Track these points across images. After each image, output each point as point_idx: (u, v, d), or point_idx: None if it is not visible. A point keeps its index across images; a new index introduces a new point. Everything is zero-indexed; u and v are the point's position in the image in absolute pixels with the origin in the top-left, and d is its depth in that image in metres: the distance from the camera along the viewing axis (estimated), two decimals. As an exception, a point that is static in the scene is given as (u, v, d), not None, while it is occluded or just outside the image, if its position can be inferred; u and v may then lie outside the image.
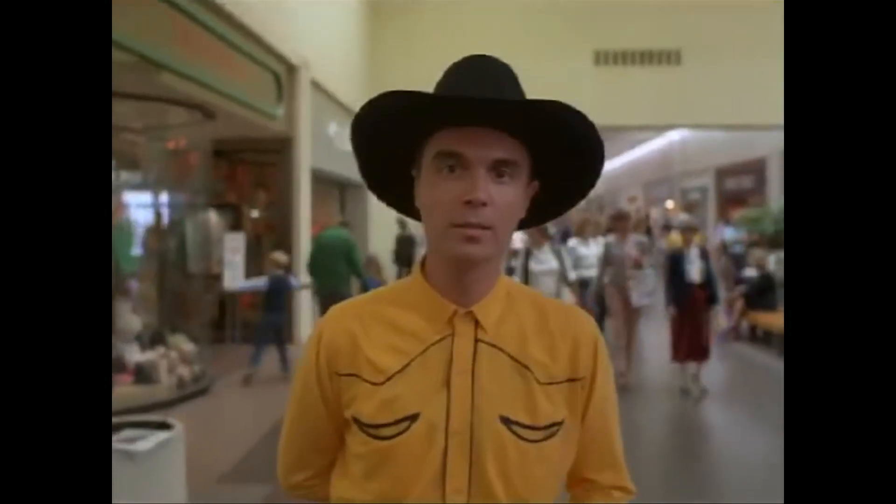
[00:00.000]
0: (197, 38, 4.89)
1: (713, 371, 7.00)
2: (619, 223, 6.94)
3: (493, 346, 1.03)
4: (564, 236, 11.22)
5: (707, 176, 18.55)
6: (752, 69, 10.82)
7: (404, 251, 11.78)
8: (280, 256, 7.00)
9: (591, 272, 7.45)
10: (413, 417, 0.99)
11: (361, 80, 10.79)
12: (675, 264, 6.47)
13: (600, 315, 7.89)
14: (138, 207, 6.44)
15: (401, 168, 1.07)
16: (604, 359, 1.10)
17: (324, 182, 9.76)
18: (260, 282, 7.04)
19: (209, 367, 5.75)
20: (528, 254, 6.40)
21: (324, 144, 9.07)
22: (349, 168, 9.09)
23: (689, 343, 6.42)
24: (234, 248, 7.07)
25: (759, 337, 9.46)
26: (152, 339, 5.59)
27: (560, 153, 1.02)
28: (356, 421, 1.02)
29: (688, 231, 6.74)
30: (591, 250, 7.97)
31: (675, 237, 10.21)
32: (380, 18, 11.19)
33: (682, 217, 11.97)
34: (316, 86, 7.79)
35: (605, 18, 11.40)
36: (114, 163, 4.81)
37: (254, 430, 5.25)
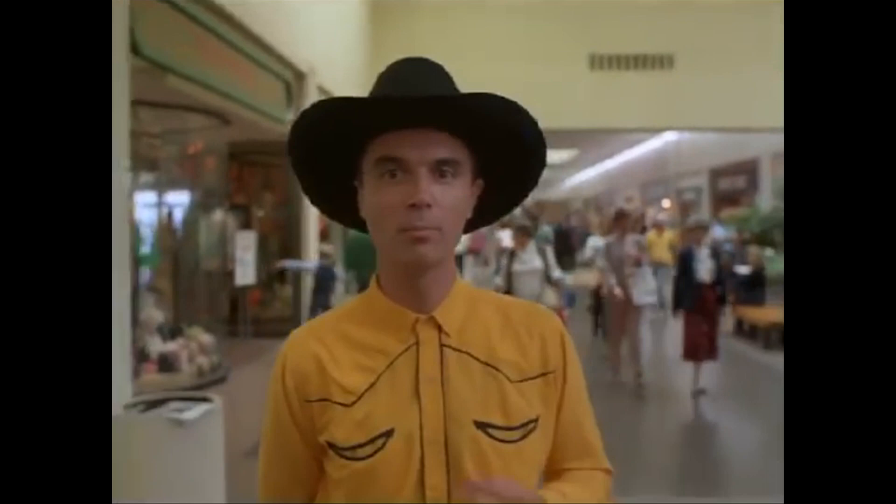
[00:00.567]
0: (216, 49, 5.24)
1: (706, 367, 7.06)
2: (618, 222, 6.92)
3: (460, 350, 1.02)
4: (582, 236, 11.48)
5: (701, 176, 18.80)
6: (742, 73, 11.17)
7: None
8: (326, 248, 8.08)
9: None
10: (388, 434, 0.97)
11: (365, 84, 11.09)
12: (685, 264, 6.44)
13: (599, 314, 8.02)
14: (145, 207, 6.69)
15: (342, 180, 1.04)
16: (571, 351, 1.10)
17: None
18: (310, 263, 7.99)
19: (225, 358, 6.11)
20: (512, 254, 6.39)
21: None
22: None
23: (700, 342, 6.39)
24: (245, 247, 7.39)
25: (745, 331, 9.79)
26: (171, 331, 5.94)
27: (499, 148, 1.01)
28: (331, 446, 0.99)
29: (697, 230, 6.67)
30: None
31: (653, 236, 10.53)
32: (381, 25, 11.53)
33: (661, 217, 12.28)
34: (322, 91, 8.12)
35: (601, 25, 11.76)
36: (133, 164, 5.13)
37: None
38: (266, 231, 9.11)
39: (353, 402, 0.98)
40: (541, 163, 1.05)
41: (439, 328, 1.01)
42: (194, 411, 3.04)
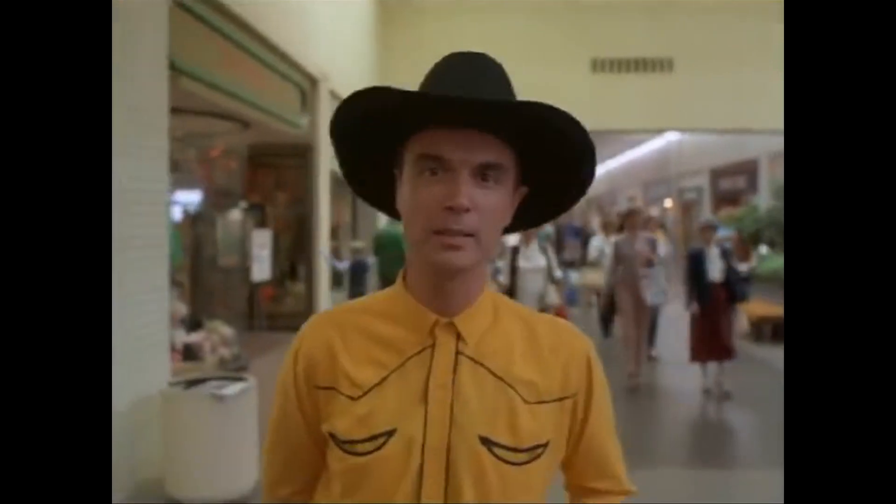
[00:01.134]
0: (240, 60, 5.60)
1: (710, 365, 6.76)
2: (629, 220, 6.79)
3: (475, 361, 0.98)
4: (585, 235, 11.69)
5: (702, 176, 19.01)
6: (740, 76, 11.50)
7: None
8: (358, 244, 9.10)
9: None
10: (389, 433, 0.94)
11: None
12: (695, 264, 6.33)
13: (609, 314, 7.98)
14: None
15: (383, 166, 1.02)
16: (598, 373, 1.06)
17: (337, 184, 10.41)
18: (344, 263, 9.09)
19: (244, 350, 6.47)
20: (515, 251, 6.37)
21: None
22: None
23: (711, 343, 6.29)
24: (261, 244, 7.75)
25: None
26: (193, 323, 6.31)
27: (549, 158, 0.97)
28: (332, 437, 0.98)
29: (707, 230, 6.55)
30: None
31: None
32: (388, 29, 11.88)
33: (654, 214, 12.48)
34: (334, 95, 8.45)
35: (602, 29, 12.11)
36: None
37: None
38: (279, 229, 9.46)
39: (360, 397, 0.96)
40: (589, 175, 1.00)
41: (458, 335, 0.98)
42: (232, 388, 3.40)
